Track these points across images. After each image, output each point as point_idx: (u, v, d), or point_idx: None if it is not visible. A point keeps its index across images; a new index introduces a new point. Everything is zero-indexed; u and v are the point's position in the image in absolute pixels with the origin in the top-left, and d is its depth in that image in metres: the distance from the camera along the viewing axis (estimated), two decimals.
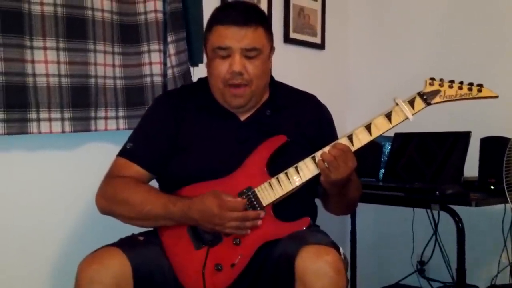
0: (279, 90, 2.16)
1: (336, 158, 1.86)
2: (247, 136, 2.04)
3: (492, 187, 2.64)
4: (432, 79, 1.96)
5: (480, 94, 1.95)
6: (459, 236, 2.52)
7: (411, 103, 1.94)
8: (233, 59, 1.98)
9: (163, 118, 2.09)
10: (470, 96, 1.95)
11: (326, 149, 1.91)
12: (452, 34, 3.33)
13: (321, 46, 3.58)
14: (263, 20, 2.06)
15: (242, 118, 2.10)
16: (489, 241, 3.10)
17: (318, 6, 3.53)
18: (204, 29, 2.14)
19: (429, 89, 1.95)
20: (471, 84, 1.95)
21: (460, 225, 2.51)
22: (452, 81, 1.96)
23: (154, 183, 2.10)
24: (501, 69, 3.12)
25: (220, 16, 2.01)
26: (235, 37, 1.96)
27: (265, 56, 2.04)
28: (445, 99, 1.95)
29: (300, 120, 2.12)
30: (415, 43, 3.49)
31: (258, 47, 2.00)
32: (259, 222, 1.89)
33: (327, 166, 1.87)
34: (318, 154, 1.92)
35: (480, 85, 1.95)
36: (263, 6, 3.11)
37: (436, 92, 1.95)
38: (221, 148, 2.03)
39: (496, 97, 1.96)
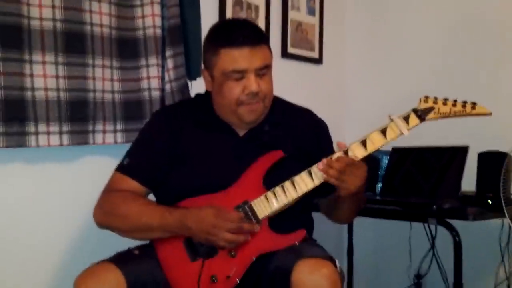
0: (277, 105, 2.15)
1: (344, 170, 1.90)
2: (245, 151, 2.04)
3: (489, 202, 2.64)
4: (426, 96, 1.99)
5: (474, 112, 1.98)
6: (456, 250, 2.53)
7: (406, 119, 1.96)
8: (248, 80, 1.98)
9: (161, 133, 2.10)
10: (464, 113, 1.98)
11: (321, 163, 1.93)
12: (449, 49, 3.35)
13: (318, 60, 3.59)
14: (266, 36, 2.08)
15: (241, 133, 2.11)
16: (486, 256, 3.10)
17: (315, 21, 3.54)
18: (202, 47, 2.12)
19: (424, 106, 1.97)
20: (465, 102, 1.98)
21: (457, 239, 2.52)
22: (446, 99, 1.98)
23: (151, 197, 2.12)
24: (498, 85, 3.14)
25: (227, 39, 1.98)
26: (248, 58, 1.96)
27: (271, 71, 2.06)
28: (439, 116, 1.97)
29: (298, 135, 2.14)
30: (412, 57, 3.51)
31: (268, 63, 2.03)
32: (249, 237, 1.89)
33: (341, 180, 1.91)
34: (314, 168, 1.94)
35: (473, 103, 1.98)
36: (261, 21, 3.13)
37: (430, 109, 1.97)
38: (219, 163, 2.04)
39: (490, 114, 1.99)
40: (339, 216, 2.21)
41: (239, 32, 2.00)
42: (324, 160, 1.92)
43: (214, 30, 2.10)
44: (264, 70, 2.01)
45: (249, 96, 1.99)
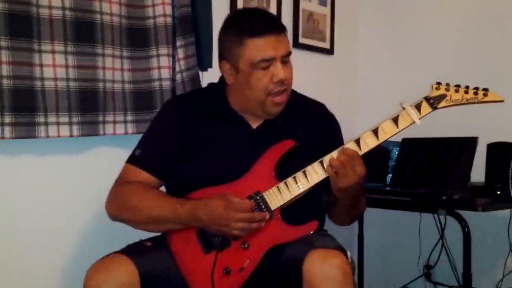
0: (291, 98, 2.10)
1: (344, 165, 1.87)
2: (258, 143, 2.03)
3: (498, 192, 2.65)
4: (438, 83, 1.97)
5: (486, 98, 1.96)
6: (465, 240, 2.53)
7: (418, 107, 1.95)
8: (275, 68, 1.96)
9: (173, 123, 2.08)
10: (476, 100, 1.96)
11: (334, 154, 1.92)
12: (462, 39, 3.33)
13: (330, 51, 3.58)
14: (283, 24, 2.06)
15: (254, 125, 2.09)
16: (495, 246, 3.11)
17: (327, 11, 3.53)
18: (220, 40, 2.08)
19: (435, 93, 1.96)
20: (476, 88, 1.96)
21: (466, 229, 2.53)
22: (458, 86, 1.96)
23: (163, 189, 2.11)
24: (510, 77, 3.11)
25: (251, 29, 1.95)
26: (275, 46, 1.95)
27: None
28: (451, 103, 1.96)
29: (311, 129, 2.13)
30: (425, 48, 3.49)
31: (290, 51, 2.02)
32: (263, 224, 1.89)
33: (335, 172, 1.88)
34: (326, 159, 1.93)
35: (485, 90, 1.96)
36: (272, 11, 3.10)
37: (442, 97, 1.95)
38: (232, 154, 2.02)
39: (502, 101, 1.97)
40: (336, 216, 2.18)
41: (262, 21, 1.98)
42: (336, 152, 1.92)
43: (233, 20, 2.06)
44: (287, 58, 2.00)
45: (277, 84, 1.97)
